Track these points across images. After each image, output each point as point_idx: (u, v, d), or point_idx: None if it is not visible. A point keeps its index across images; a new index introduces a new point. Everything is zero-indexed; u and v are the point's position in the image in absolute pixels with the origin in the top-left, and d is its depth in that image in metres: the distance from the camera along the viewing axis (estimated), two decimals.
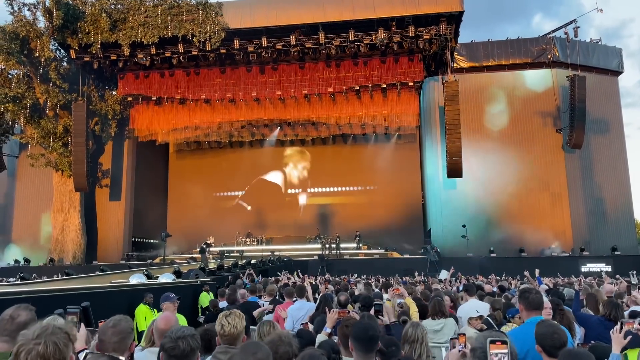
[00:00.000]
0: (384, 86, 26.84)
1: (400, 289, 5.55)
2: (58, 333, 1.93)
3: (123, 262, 25.99)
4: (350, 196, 32.48)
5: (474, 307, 5.23)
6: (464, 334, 3.51)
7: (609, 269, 23.57)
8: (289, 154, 34.13)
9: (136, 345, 3.48)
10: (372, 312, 4.79)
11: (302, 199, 33.66)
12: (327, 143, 33.08)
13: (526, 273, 11.79)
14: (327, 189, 33.21)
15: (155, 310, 7.62)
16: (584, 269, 23.72)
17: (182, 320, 4.47)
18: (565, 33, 28.49)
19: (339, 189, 32.90)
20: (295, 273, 15.37)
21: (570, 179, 27.87)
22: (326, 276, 16.42)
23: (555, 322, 3.28)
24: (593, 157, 28.55)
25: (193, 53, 25.04)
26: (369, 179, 31.75)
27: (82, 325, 2.86)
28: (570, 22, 28.44)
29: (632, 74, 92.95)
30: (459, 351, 3.18)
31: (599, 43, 30.34)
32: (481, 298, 6.54)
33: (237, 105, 28.37)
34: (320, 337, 3.84)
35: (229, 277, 12.66)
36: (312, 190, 33.60)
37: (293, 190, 33.99)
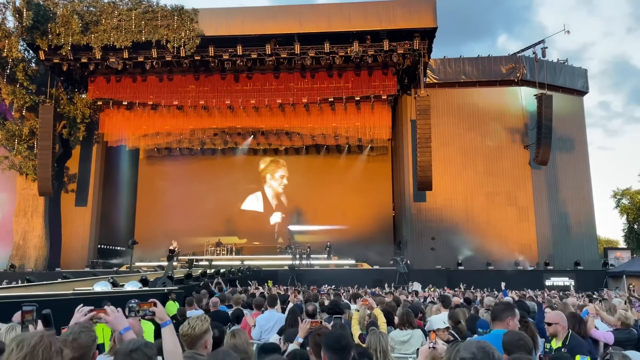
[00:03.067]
0: (358, 99, 27.09)
1: (368, 300, 5.57)
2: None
3: (88, 269, 25.32)
4: (322, 206, 32.48)
5: (442, 318, 5.29)
6: (434, 331, 3.57)
7: (572, 283, 24.24)
8: (265, 166, 33.94)
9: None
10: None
11: (276, 217, 33.43)
12: (300, 153, 33.09)
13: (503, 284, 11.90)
14: (299, 199, 33.15)
15: None
16: (548, 282, 24.32)
17: (149, 328, 4.36)
18: (534, 53, 29.39)
19: (311, 198, 32.87)
20: (266, 284, 15.26)
21: (537, 194, 28.60)
22: (300, 288, 16.36)
23: (522, 332, 3.37)
24: (558, 174, 29.40)
25: (167, 59, 24.77)
26: (340, 190, 31.84)
27: (40, 323, 2.74)
28: (539, 43, 29.37)
29: (592, 96, 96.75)
30: (429, 347, 3.24)
31: (566, 64, 31.39)
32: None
33: (210, 112, 28.16)
34: (292, 347, 3.83)
35: (198, 285, 12.48)
36: (284, 201, 33.54)
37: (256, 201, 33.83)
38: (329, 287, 17.74)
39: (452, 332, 5.25)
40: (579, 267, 26.42)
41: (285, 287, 17.06)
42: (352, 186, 31.77)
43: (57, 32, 23.71)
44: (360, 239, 30.02)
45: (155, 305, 2.86)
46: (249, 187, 33.79)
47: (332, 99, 27.20)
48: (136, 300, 2.93)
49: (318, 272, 25.16)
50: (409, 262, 25.41)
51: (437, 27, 23.78)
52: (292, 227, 32.72)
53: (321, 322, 3.89)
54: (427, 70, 28.00)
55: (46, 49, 24.23)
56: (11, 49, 23.57)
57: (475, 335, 5.18)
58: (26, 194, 26.74)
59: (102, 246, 28.86)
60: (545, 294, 13.65)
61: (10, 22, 24.06)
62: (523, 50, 30.91)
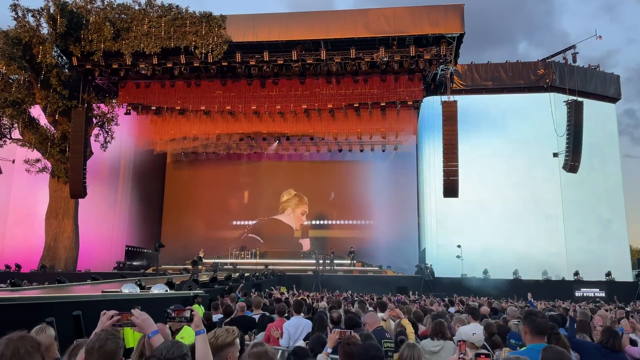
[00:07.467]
0: (383, 104, 26.94)
1: (396, 310, 5.50)
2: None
3: (115, 270, 25.77)
4: (346, 212, 32.41)
5: (472, 330, 5.18)
6: (464, 341, 3.50)
7: (602, 294, 23.54)
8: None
9: None
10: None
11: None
12: (324, 158, 33.13)
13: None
14: (323, 204, 33.14)
15: None
16: (577, 293, 23.66)
17: (190, 333, 4.35)
18: (564, 58, 28.80)
19: (335, 203, 32.83)
20: (290, 288, 15.26)
21: (566, 202, 27.94)
22: (328, 295, 16.27)
23: (562, 349, 3.25)
24: (589, 182, 28.66)
25: (195, 64, 25.12)
26: (365, 195, 31.72)
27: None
28: (569, 48, 28.77)
29: (619, 103, 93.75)
30: (459, 358, 3.18)
31: (597, 70, 30.66)
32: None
33: (236, 117, 28.43)
34: (321, 358, 3.80)
35: (223, 289, 12.58)
36: (309, 206, 33.54)
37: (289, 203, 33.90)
38: (354, 295, 17.59)
39: (486, 344, 5.13)
40: (610, 278, 25.63)
41: (308, 293, 17.03)
42: (377, 191, 31.62)
43: (90, 38, 24.30)
44: (385, 245, 29.84)
45: (191, 312, 2.89)
46: (274, 192, 33.93)
47: (357, 105, 27.12)
48: (173, 307, 2.96)
49: (341, 277, 25.06)
50: (433, 269, 25.11)
51: (464, 33, 23.52)
52: (315, 231, 32.70)
53: (350, 332, 3.86)
54: (454, 76, 27.71)
55: (79, 55, 24.85)
56: (45, 55, 24.20)
57: (506, 348, 5.06)
58: (58, 196, 27.37)
59: (129, 248, 29.38)
60: (576, 306, 13.26)
61: (45, 29, 24.79)
62: (552, 56, 30.31)
